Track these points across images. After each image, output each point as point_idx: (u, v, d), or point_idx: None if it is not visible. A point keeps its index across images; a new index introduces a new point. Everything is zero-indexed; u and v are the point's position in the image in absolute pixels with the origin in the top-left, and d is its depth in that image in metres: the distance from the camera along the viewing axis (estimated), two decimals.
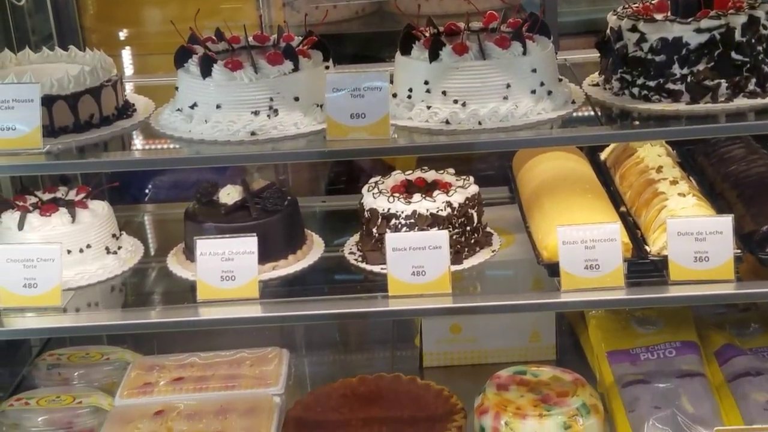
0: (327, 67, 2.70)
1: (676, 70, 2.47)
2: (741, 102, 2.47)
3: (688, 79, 2.47)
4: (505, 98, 2.52)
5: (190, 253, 2.74)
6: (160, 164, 2.74)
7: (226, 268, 2.53)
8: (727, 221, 2.45)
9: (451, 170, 2.92)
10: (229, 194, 2.83)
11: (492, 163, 3.64)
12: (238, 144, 2.51)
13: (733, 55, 2.46)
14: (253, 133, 2.52)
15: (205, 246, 2.55)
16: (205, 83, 2.55)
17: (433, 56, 2.52)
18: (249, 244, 2.53)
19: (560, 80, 2.69)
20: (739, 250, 2.48)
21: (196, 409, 2.72)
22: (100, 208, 2.83)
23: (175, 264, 2.80)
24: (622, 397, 2.66)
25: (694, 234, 2.45)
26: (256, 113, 2.53)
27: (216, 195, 2.84)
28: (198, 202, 2.84)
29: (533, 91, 2.54)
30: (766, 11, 2.50)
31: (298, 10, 3.79)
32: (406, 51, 2.62)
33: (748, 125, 2.47)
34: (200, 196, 2.85)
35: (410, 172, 2.94)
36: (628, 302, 2.59)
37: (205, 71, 2.55)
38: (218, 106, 2.54)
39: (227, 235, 2.58)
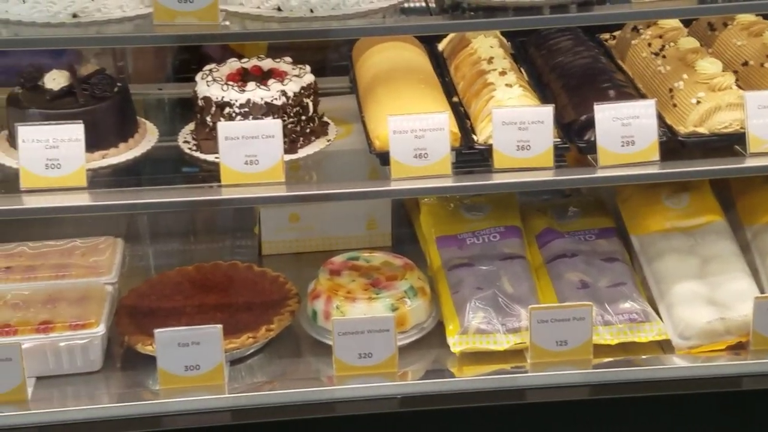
0: None
1: None
2: None
3: None
4: None
5: (13, 141, 2.64)
6: None
7: (51, 156, 2.46)
8: (548, 111, 2.56)
9: (288, 59, 2.90)
10: (55, 79, 2.72)
11: (341, 53, 3.62)
12: (59, 26, 2.41)
13: None
14: (75, 15, 2.42)
15: (27, 133, 2.46)
16: None
17: None
18: (75, 131, 2.46)
19: None
20: (558, 139, 2.61)
21: (24, 298, 2.67)
22: None
23: None
24: (447, 279, 2.79)
25: (518, 123, 2.54)
26: None
27: (41, 80, 2.73)
28: (22, 87, 2.72)
29: None
30: None
31: None
32: None
33: (570, 17, 2.56)
34: (24, 81, 2.73)
35: (246, 60, 2.90)
36: (454, 189, 2.69)
37: None
38: None
39: (51, 122, 2.50)
